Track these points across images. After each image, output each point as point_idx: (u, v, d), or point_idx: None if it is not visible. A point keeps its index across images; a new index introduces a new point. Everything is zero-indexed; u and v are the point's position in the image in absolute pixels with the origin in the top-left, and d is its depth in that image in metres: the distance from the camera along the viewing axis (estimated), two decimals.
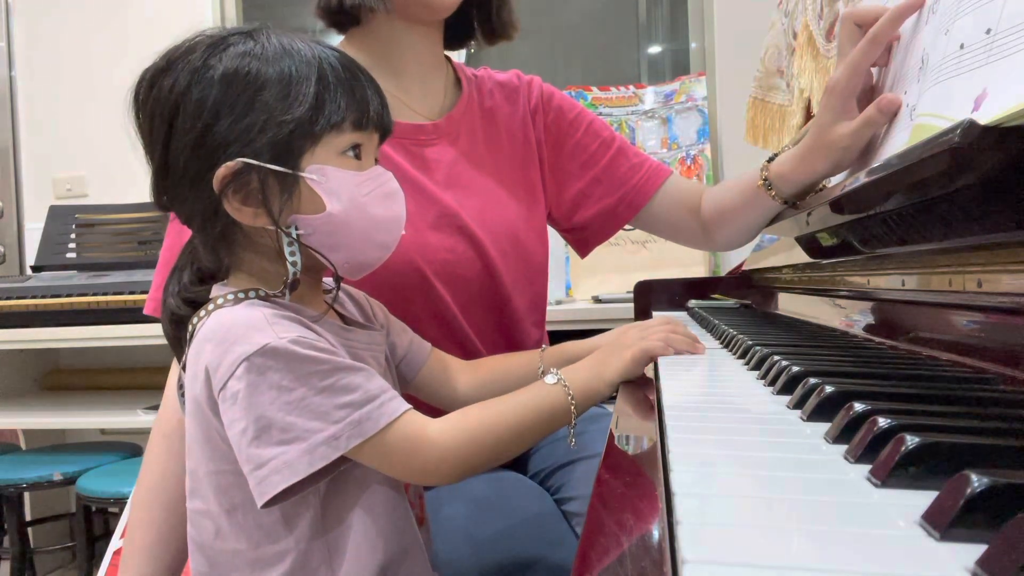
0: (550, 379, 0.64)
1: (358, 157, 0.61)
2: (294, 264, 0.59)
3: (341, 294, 0.70)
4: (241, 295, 0.60)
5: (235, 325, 0.56)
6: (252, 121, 0.56)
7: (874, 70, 0.69)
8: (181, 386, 0.62)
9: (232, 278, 0.63)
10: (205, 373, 0.56)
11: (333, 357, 0.56)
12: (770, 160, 0.83)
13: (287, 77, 0.57)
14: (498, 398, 0.63)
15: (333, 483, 0.59)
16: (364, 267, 0.63)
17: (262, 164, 0.56)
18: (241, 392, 0.53)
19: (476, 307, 0.90)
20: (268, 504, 0.54)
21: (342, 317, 0.69)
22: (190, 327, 0.61)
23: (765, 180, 0.83)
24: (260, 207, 0.58)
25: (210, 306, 0.60)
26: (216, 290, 0.61)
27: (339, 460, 0.55)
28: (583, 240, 1.05)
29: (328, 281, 0.68)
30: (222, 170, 0.56)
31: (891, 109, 0.62)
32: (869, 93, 0.69)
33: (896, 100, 0.61)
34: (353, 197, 0.59)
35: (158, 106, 0.58)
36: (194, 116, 0.57)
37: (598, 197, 1.01)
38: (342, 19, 0.90)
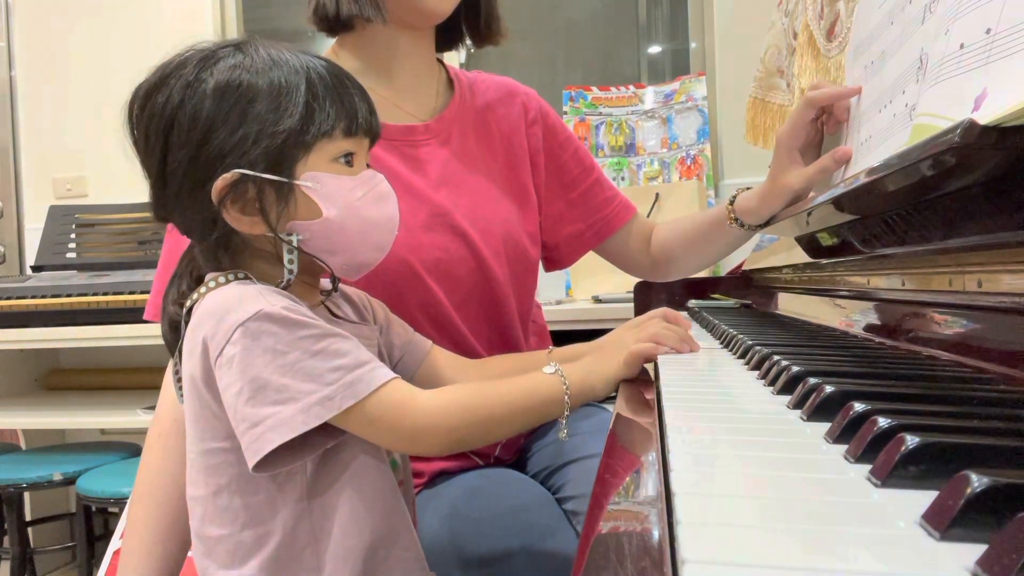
0: (548, 369, 0.66)
1: (350, 164, 0.63)
2: (291, 271, 0.61)
3: (338, 296, 0.72)
4: (231, 276, 0.62)
5: (229, 298, 0.58)
6: (246, 133, 0.58)
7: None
8: (178, 377, 0.63)
9: None
10: (202, 345, 0.57)
11: (323, 324, 0.58)
12: (731, 201, 0.95)
13: (277, 88, 0.59)
14: (494, 380, 0.65)
15: (319, 463, 0.60)
16: (362, 268, 0.66)
17: (258, 174, 0.58)
18: (237, 356, 0.55)
19: (470, 305, 0.91)
20: (259, 467, 0.55)
21: (333, 314, 0.70)
22: (186, 306, 0.63)
23: (735, 219, 0.93)
24: (257, 215, 0.60)
25: (202, 288, 0.62)
26: (210, 275, 0.63)
27: (328, 435, 0.57)
28: (548, 259, 1.09)
29: (324, 283, 0.70)
30: (219, 182, 0.58)
31: (844, 159, 0.73)
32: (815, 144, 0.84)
33: (848, 152, 0.72)
34: (348, 202, 0.62)
35: (153, 121, 0.60)
36: (189, 130, 0.58)
37: (570, 220, 1.04)
38: (336, 26, 0.91)
